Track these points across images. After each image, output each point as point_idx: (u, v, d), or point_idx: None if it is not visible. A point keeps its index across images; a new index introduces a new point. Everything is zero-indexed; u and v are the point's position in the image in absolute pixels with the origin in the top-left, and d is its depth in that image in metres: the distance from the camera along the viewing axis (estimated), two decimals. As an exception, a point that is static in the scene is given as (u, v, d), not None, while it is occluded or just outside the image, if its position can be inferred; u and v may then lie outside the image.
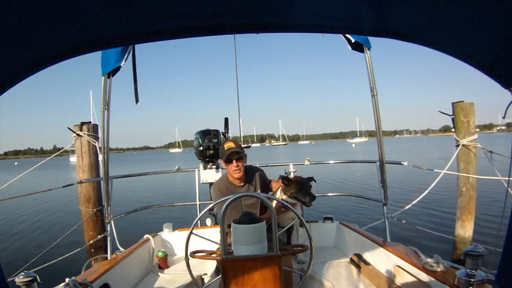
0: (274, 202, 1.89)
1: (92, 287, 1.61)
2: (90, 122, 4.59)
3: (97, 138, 4.57)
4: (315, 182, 2.23)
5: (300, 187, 2.15)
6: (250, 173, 2.33)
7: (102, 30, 0.71)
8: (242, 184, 2.27)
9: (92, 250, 4.41)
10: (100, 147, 4.56)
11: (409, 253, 1.86)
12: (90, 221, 4.51)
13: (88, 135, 4.47)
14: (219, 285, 1.63)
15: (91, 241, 4.34)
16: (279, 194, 2.26)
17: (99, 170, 4.64)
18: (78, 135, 4.46)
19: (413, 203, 3.95)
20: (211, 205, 1.68)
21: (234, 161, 2.15)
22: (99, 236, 4.37)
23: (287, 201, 2.16)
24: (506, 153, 3.70)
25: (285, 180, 2.20)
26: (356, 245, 2.42)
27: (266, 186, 2.41)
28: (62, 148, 5.17)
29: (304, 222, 1.45)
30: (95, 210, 4.49)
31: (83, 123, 4.51)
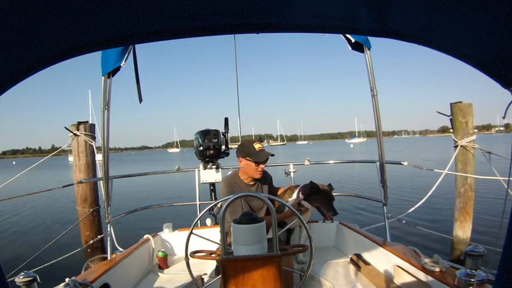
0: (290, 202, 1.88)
1: (92, 287, 1.61)
2: (87, 121, 4.57)
3: (94, 138, 4.55)
4: (333, 189, 2.26)
5: (327, 201, 2.17)
6: (263, 176, 2.35)
7: (102, 30, 0.71)
8: (253, 183, 2.28)
9: (89, 250, 4.38)
10: (97, 147, 4.55)
11: (409, 253, 1.86)
12: (87, 221, 4.50)
13: (85, 134, 4.44)
14: (219, 286, 1.63)
15: (91, 241, 4.33)
16: (295, 196, 2.27)
17: (96, 170, 4.63)
18: (75, 134, 4.44)
19: (418, 205, 3.95)
20: (211, 205, 1.67)
21: (261, 164, 2.18)
22: (99, 236, 4.36)
23: (301, 205, 2.18)
24: (504, 154, 3.70)
25: (314, 188, 2.20)
26: (356, 245, 2.42)
27: (272, 192, 2.45)
28: (60, 148, 5.15)
29: (305, 223, 1.45)
30: (91, 210, 4.47)
31: (79, 123, 4.48)
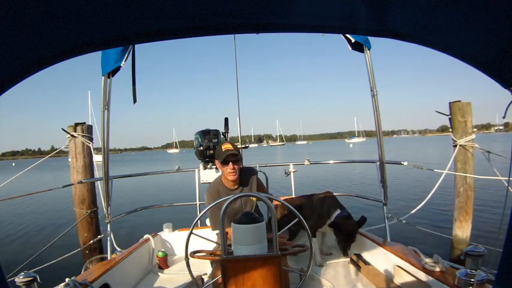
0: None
1: (92, 287, 1.61)
2: (85, 122, 4.54)
3: (91, 139, 4.53)
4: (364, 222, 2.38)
5: (343, 239, 2.30)
6: (245, 176, 2.24)
7: (102, 30, 0.71)
8: (236, 187, 2.19)
9: (87, 251, 4.36)
10: (95, 148, 4.54)
11: (409, 253, 1.86)
12: (85, 223, 4.48)
13: (82, 136, 4.42)
14: (213, 285, 1.62)
15: (90, 242, 4.32)
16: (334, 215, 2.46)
17: (94, 171, 4.61)
18: (72, 136, 4.41)
19: (419, 206, 3.95)
20: (211, 204, 1.67)
21: (230, 163, 2.07)
22: (99, 236, 4.35)
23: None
24: (504, 153, 3.70)
25: (344, 225, 2.35)
26: (356, 245, 2.42)
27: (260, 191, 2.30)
28: (59, 148, 5.12)
29: (305, 224, 1.45)
30: (89, 211, 4.46)
31: (77, 124, 4.46)
